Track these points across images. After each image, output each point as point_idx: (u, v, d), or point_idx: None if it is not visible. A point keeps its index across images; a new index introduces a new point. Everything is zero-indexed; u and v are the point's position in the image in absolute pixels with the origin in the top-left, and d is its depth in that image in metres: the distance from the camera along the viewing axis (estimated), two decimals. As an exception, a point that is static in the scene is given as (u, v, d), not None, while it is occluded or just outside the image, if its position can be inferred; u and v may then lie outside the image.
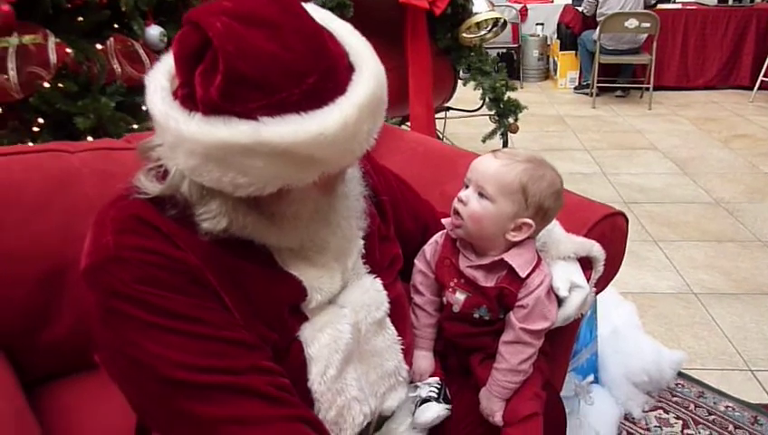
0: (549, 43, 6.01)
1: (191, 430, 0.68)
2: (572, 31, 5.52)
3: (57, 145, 1.19)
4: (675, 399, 1.69)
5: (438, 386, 0.95)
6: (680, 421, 1.61)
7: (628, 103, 5.14)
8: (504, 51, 6.13)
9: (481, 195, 0.90)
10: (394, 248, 0.95)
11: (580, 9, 5.31)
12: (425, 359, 0.98)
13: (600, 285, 1.13)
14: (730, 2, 5.34)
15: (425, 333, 0.99)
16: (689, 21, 5.33)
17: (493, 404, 0.90)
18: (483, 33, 2.94)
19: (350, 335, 0.80)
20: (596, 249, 1.00)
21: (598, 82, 5.12)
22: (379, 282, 0.87)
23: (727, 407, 1.66)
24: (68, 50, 1.65)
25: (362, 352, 0.83)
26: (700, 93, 5.35)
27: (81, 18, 1.72)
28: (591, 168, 3.59)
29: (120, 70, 1.78)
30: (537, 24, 6.02)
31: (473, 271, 0.92)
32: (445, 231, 0.97)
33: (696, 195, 3.17)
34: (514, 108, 2.94)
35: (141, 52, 1.83)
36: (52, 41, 1.63)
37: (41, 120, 1.66)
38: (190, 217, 0.70)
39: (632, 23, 4.72)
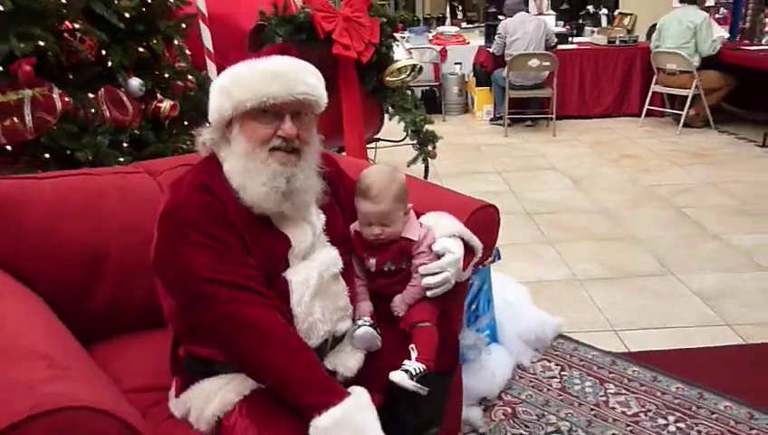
0: (467, 80, 6.70)
1: (211, 310, 1.13)
2: (485, 69, 6.22)
3: (88, 170, 1.61)
4: (556, 353, 2.22)
5: (370, 321, 1.42)
6: (558, 367, 2.13)
7: (536, 132, 5.84)
8: (428, 88, 6.78)
9: (383, 224, 1.39)
10: (345, 232, 1.43)
11: (490, 50, 6.01)
12: (364, 304, 1.44)
13: (484, 257, 1.64)
14: (617, 42, 6.17)
15: (362, 290, 1.46)
16: (584, 59, 6.13)
17: (400, 304, 1.39)
18: (403, 76, 3.49)
19: (316, 279, 1.27)
20: (472, 237, 1.49)
21: (509, 114, 5.83)
22: (335, 250, 1.34)
23: (594, 355, 2.20)
24: (68, 99, 2.06)
25: (324, 292, 1.30)
26: (597, 121, 6.13)
27: (77, 73, 2.14)
28: (501, 187, 4.19)
29: (108, 114, 2.20)
30: (456, 64, 6.71)
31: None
32: (353, 226, 1.45)
33: (586, 205, 3.80)
34: (432, 138, 3.50)
35: (125, 99, 2.25)
36: (56, 92, 2.04)
37: (47, 156, 2.05)
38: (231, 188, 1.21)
39: (534, 62, 5.45)
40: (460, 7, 11.86)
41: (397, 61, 3.41)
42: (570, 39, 6.45)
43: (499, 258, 2.13)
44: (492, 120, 6.24)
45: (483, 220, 1.64)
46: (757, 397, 1.92)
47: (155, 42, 2.40)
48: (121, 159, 2.18)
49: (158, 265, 1.22)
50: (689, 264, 2.92)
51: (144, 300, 1.48)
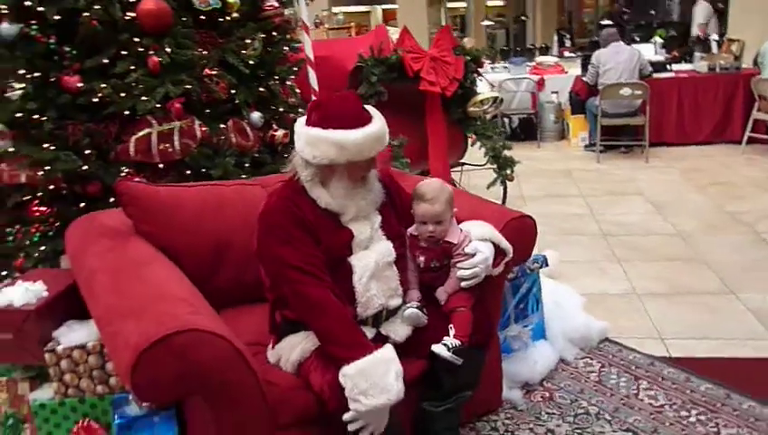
0: (563, 108, 6.92)
1: (286, 287, 1.62)
2: (580, 98, 6.43)
3: (219, 183, 2.17)
4: (600, 353, 2.50)
5: (418, 304, 1.82)
6: (599, 364, 2.41)
7: (629, 158, 5.96)
8: (525, 116, 7.07)
9: (437, 222, 1.80)
10: (398, 230, 1.86)
11: (584, 79, 6.23)
12: (413, 292, 1.86)
13: (519, 259, 2.01)
14: (717, 69, 6.15)
15: (413, 280, 1.87)
16: (683, 87, 6.18)
17: (442, 293, 1.79)
18: (485, 107, 3.88)
19: (373, 264, 1.70)
20: (503, 239, 1.87)
21: (603, 141, 5.99)
22: (390, 243, 1.78)
23: (635, 357, 2.45)
24: (205, 128, 2.66)
25: (379, 275, 1.73)
26: (697, 148, 6.12)
27: (212, 109, 2.75)
28: (583, 210, 4.42)
29: (234, 140, 2.79)
30: (552, 93, 6.96)
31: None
32: (409, 230, 1.87)
33: (663, 228, 3.96)
34: (510, 163, 3.84)
35: (248, 129, 2.83)
36: (197, 123, 2.64)
37: (188, 172, 2.65)
38: (310, 198, 1.67)
39: (626, 91, 5.61)
40: (568, 36, 11.99)
41: (479, 93, 3.80)
42: (668, 67, 6.48)
43: (546, 265, 2.47)
44: (586, 146, 6.41)
45: (519, 227, 2.01)
46: (783, 400, 2.10)
47: (272, 83, 2.99)
48: (243, 176, 2.76)
49: (257, 253, 1.71)
50: (752, 285, 3.05)
51: (254, 280, 1.97)
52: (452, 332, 1.76)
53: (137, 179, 2.46)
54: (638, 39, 9.25)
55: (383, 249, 1.76)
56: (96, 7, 2.44)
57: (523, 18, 15.19)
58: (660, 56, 6.90)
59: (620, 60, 5.80)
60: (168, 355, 1.35)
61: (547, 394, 2.24)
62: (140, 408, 1.80)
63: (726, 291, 3.02)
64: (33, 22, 2.44)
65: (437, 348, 1.73)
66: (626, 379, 2.31)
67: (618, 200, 4.63)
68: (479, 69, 3.86)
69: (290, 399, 1.64)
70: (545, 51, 9.44)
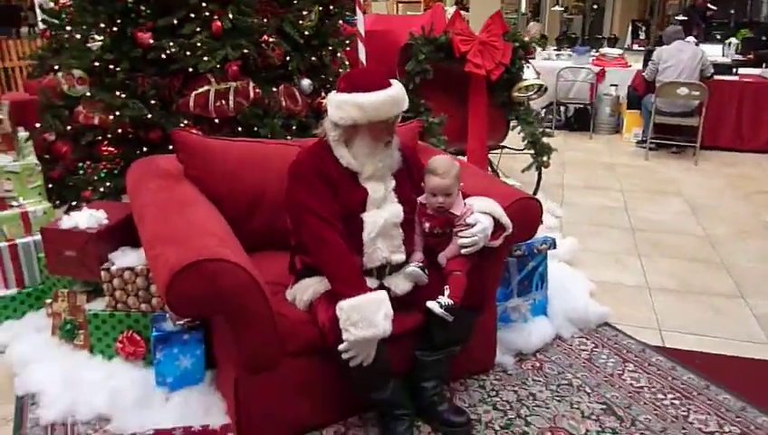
0: (620, 102, 6.89)
1: (304, 228, 1.87)
2: (637, 93, 6.39)
3: (263, 140, 2.43)
4: (597, 335, 2.66)
5: (420, 264, 2.04)
6: (593, 344, 2.58)
7: (679, 159, 5.93)
8: (581, 106, 7.07)
9: (446, 195, 2.00)
10: (410, 196, 2.08)
11: (643, 75, 6.19)
12: (417, 254, 2.07)
13: (519, 238, 2.20)
14: (783, 77, 6.01)
15: (419, 243, 2.09)
16: (745, 92, 6.06)
17: (442, 258, 2.01)
18: (530, 93, 4.00)
19: (382, 222, 1.93)
20: (504, 215, 2.06)
21: (655, 139, 5.98)
22: (400, 207, 2.00)
23: (629, 342, 2.61)
24: (258, 90, 2.93)
25: (386, 233, 1.95)
26: (752, 156, 6.02)
27: (267, 73, 3.01)
28: (617, 203, 4.50)
29: (284, 104, 3.04)
30: (612, 85, 6.92)
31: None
32: (420, 198, 2.08)
33: (693, 229, 4.01)
34: (547, 150, 3.97)
35: (297, 94, 3.08)
36: (251, 85, 2.90)
37: (240, 129, 2.93)
38: (334, 157, 1.91)
39: (683, 90, 5.57)
40: (644, 28, 11.69)
41: (525, 80, 3.93)
42: (734, 70, 6.35)
43: (554, 247, 2.63)
44: (638, 142, 6.38)
45: (523, 207, 2.19)
46: (759, 397, 2.23)
47: (324, 53, 3.23)
48: (289, 137, 3.02)
49: (286, 199, 1.97)
50: (765, 292, 3.12)
51: (283, 228, 2.22)
52: (447, 292, 1.98)
53: (193, 131, 2.76)
54: (718, 37, 9.01)
55: (393, 210, 1.98)
56: (171, -27, 2.72)
57: (595, 6, 14.79)
58: (728, 58, 6.73)
59: (682, 58, 5.74)
60: (198, 278, 1.63)
61: (537, 364, 2.44)
62: (174, 325, 2.11)
63: (737, 295, 3.10)
64: (117, -19, 2.76)
65: (431, 304, 1.95)
66: (614, 360, 2.47)
67: (655, 198, 4.67)
68: (528, 56, 3.97)
69: (298, 330, 1.90)
70: (614, 42, 9.31)
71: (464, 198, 2.07)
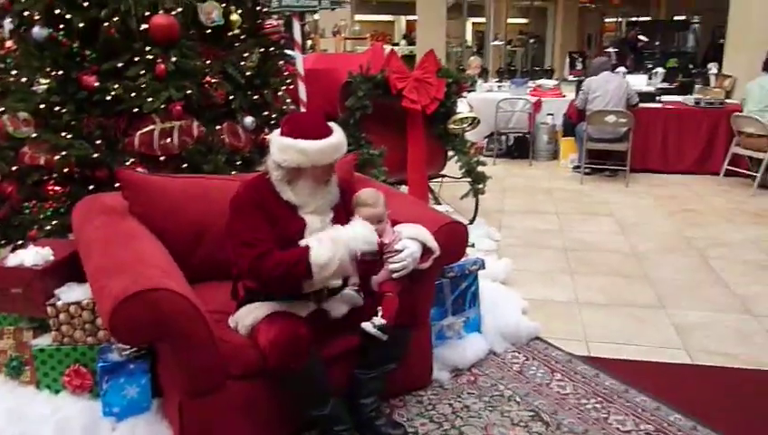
0: (557, 130, 7.26)
1: (242, 259, 1.98)
2: (572, 121, 6.77)
3: (204, 176, 2.56)
4: (528, 349, 2.84)
5: (356, 288, 2.19)
6: (524, 358, 2.76)
7: (612, 182, 6.28)
8: (521, 135, 7.42)
9: (378, 222, 2.16)
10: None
11: (576, 104, 6.57)
12: (353, 278, 2.22)
13: (449, 260, 2.37)
14: (702, 104, 6.47)
15: (354, 267, 2.24)
16: (669, 118, 6.50)
17: (375, 282, 2.16)
18: (464, 126, 4.24)
19: (318, 250, 2.08)
20: (431, 239, 2.23)
21: (589, 164, 6.33)
22: None
23: (557, 354, 2.79)
24: (202, 128, 3.06)
25: (323, 258, 2.10)
26: (679, 177, 6.42)
27: (210, 112, 3.14)
28: (553, 226, 4.77)
29: (228, 140, 3.17)
30: (548, 115, 7.30)
31: None
32: None
33: (621, 247, 4.29)
34: (482, 178, 4.20)
35: (240, 131, 3.22)
36: (195, 124, 3.03)
37: (185, 165, 3.04)
38: (275, 191, 2.05)
39: (611, 118, 5.95)
40: (580, 59, 12.31)
41: (459, 113, 4.17)
42: (657, 98, 6.80)
43: (483, 268, 2.82)
44: (574, 168, 6.73)
45: (450, 231, 2.37)
46: (672, 397, 2.43)
47: (266, 92, 3.39)
48: (233, 172, 3.15)
49: (226, 230, 2.10)
50: (682, 303, 3.37)
51: (225, 260, 2.33)
52: (380, 313, 2.13)
53: (139, 169, 2.86)
54: (650, 66, 9.58)
55: None
56: (115, 19, 2.85)
57: (531, 40, 15.51)
58: (651, 87, 7.20)
59: (609, 88, 6.13)
60: (141, 306, 1.74)
61: (472, 378, 2.59)
62: (121, 356, 2.19)
63: (658, 306, 3.35)
64: (61, 27, 2.87)
65: (365, 325, 2.10)
66: (543, 371, 2.65)
67: (588, 219, 4.96)
68: (461, 91, 4.22)
69: (240, 354, 2.01)
70: (551, 74, 9.81)
71: (392, 226, 2.24)
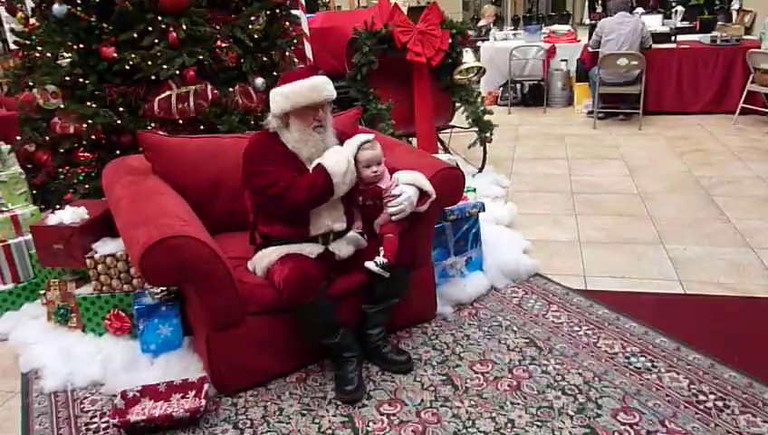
0: (571, 76, 7.26)
1: (272, 197, 2.20)
2: (585, 66, 6.77)
3: (219, 135, 2.77)
4: (528, 284, 3.03)
5: (359, 231, 2.40)
6: (523, 292, 2.96)
7: (625, 125, 6.32)
8: (535, 82, 7.44)
9: (378, 163, 2.35)
10: None
11: (589, 47, 6.56)
12: (357, 222, 2.43)
13: (441, 204, 2.56)
14: (718, 42, 6.40)
15: (357, 214, 2.44)
16: (683, 58, 6.46)
17: (377, 225, 2.36)
18: (470, 75, 4.35)
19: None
20: (426, 184, 2.41)
21: (603, 108, 6.37)
22: None
23: (555, 288, 2.98)
24: (216, 91, 3.25)
25: (328, 204, 2.30)
26: (695, 117, 6.43)
27: (222, 75, 3.34)
28: (562, 170, 4.89)
29: (240, 102, 3.37)
30: (562, 60, 7.30)
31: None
32: None
33: (627, 188, 4.40)
34: (489, 126, 4.33)
35: (252, 92, 3.41)
36: (209, 87, 3.23)
37: (201, 127, 3.25)
38: (281, 143, 2.26)
39: (623, 61, 5.95)
40: (600, 1, 12.07)
41: (465, 63, 4.28)
42: (672, 38, 6.74)
43: (483, 210, 3.00)
44: (588, 113, 6.77)
45: (446, 176, 2.54)
46: (661, 323, 2.61)
47: (273, 53, 3.55)
48: (247, 132, 3.35)
49: (243, 177, 2.31)
50: (682, 239, 3.51)
51: (241, 210, 2.56)
52: (381, 252, 2.34)
53: (160, 132, 3.09)
54: (673, 3, 9.33)
55: None
56: (127, -8, 3.03)
57: None
58: (666, 27, 7.11)
59: (623, 31, 6.11)
60: (165, 252, 1.98)
61: (474, 311, 2.81)
62: (153, 299, 2.46)
63: (657, 242, 3.49)
64: (79, 2, 3.07)
65: (369, 264, 2.31)
66: (541, 303, 2.85)
67: (598, 163, 5.06)
68: (465, 40, 4.31)
69: (256, 293, 2.25)
70: (567, 18, 9.69)
71: (391, 173, 2.42)
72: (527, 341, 2.56)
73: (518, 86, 7.61)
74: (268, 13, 3.52)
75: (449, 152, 4.64)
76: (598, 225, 3.77)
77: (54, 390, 2.38)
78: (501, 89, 7.63)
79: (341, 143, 2.41)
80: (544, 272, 3.15)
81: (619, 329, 2.61)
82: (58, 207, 3.23)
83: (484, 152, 4.53)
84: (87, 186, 3.18)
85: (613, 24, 6.22)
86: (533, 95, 7.50)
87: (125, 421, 2.08)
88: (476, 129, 4.38)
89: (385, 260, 2.32)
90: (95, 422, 2.20)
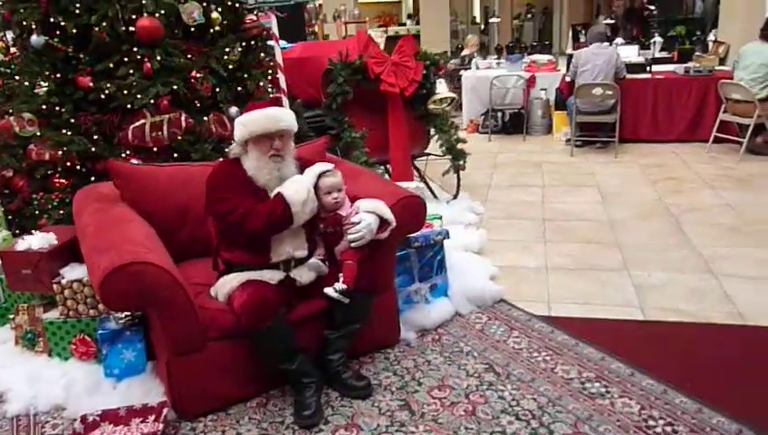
0: (551, 104, 7.41)
1: (232, 222, 2.27)
2: (563, 96, 6.92)
3: (188, 163, 2.84)
4: (493, 310, 3.09)
5: (321, 258, 2.47)
6: (487, 318, 3.01)
7: (602, 154, 6.44)
8: (516, 111, 7.58)
9: (339, 190, 2.43)
10: None
11: (566, 77, 6.71)
12: (319, 249, 2.50)
13: (403, 231, 2.62)
14: (691, 72, 6.57)
15: (319, 241, 2.51)
16: (658, 87, 6.61)
17: (337, 251, 2.42)
18: (443, 105, 4.46)
19: (285, 223, 2.35)
20: (387, 212, 2.48)
21: (580, 137, 6.51)
22: None
23: (518, 314, 3.04)
24: (191, 120, 3.33)
25: (289, 232, 2.37)
26: (670, 145, 6.55)
27: (196, 104, 3.41)
28: (536, 198, 4.98)
29: (214, 130, 3.45)
30: (541, 90, 7.45)
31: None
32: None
33: (598, 216, 4.49)
34: (462, 155, 4.43)
35: (226, 121, 3.49)
36: (183, 116, 3.31)
37: (175, 154, 3.32)
38: (243, 169, 2.34)
39: (598, 91, 6.10)
40: (583, 32, 12.33)
41: (438, 93, 4.39)
42: (647, 69, 6.90)
43: (448, 237, 3.07)
44: (567, 141, 6.88)
45: (407, 204, 2.62)
46: (618, 349, 2.67)
47: (248, 83, 3.64)
48: (221, 159, 3.42)
49: (206, 204, 2.38)
50: (646, 265, 3.58)
51: (207, 236, 2.62)
52: (341, 278, 2.40)
53: (133, 160, 3.15)
54: (656, 34, 9.51)
55: None
56: (104, 24, 3.13)
57: (529, 15, 15.46)
58: (642, 58, 7.29)
59: (598, 62, 6.26)
60: (125, 278, 2.03)
61: (437, 337, 2.86)
62: (117, 324, 2.50)
63: (623, 268, 3.56)
64: (57, 33, 3.16)
65: (328, 290, 2.37)
66: (503, 329, 2.90)
67: (572, 190, 5.16)
68: (439, 71, 4.43)
69: (218, 318, 2.30)
70: (548, 48, 9.89)
71: (353, 201, 2.50)
72: (486, 366, 2.61)
73: (499, 114, 7.75)
74: (243, 44, 3.62)
75: (424, 179, 4.73)
76: (565, 251, 3.85)
77: (17, 413, 2.41)
78: (482, 117, 7.76)
79: (303, 172, 2.49)
80: (510, 298, 3.21)
81: (577, 355, 2.66)
82: (33, 232, 3.30)
83: (458, 180, 4.62)
84: (61, 211, 3.23)
85: (589, 54, 6.38)
86: (514, 123, 7.63)
87: (83, 446, 2.11)
88: (450, 157, 4.47)
89: (344, 286, 2.38)
90: (54, 447, 2.23)
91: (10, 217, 3.38)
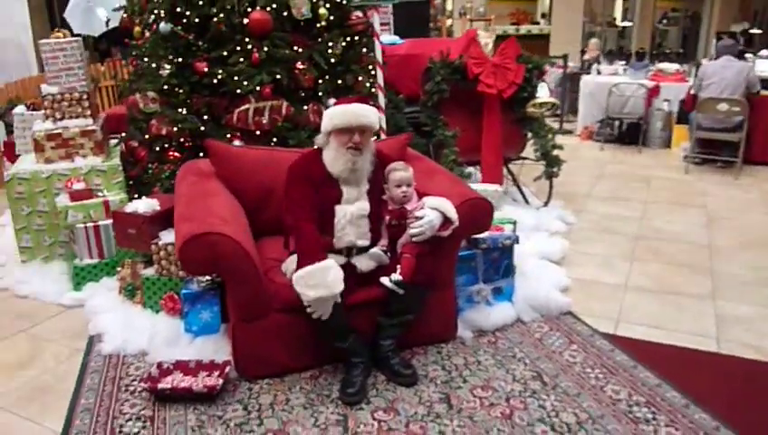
0: (672, 116, 7.01)
1: (290, 219, 2.49)
2: (686, 108, 6.52)
3: (277, 148, 3.08)
4: (557, 321, 3.07)
5: (383, 248, 2.60)
6: (548, 328, 3.00)
7: (722, 174, 6.02)
8: (634, 121, 7.24)
9: (408, 185, 2.55)
10: (380, 196, 2.63)
11: (691, 90, 6.33)
12: (383, 240, 2.63)
13: (467, 232, 2.70)
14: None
15: (384, 233, 2.64)
16: (796, 107, 6.05)
17: (399, 244, 2.55)
18: (542, 110, 4.41)
19: (349, 214, 2.51)
20: (451, 210, 2.56)
21: (699, 153, 6.12)
22: (367, 203, 2.56)
23: (582, 329, 3.00)
24: (291, 108, 3.59)
25: (354, 222, 2.52)
26: (802, 172, 6.00)
27: (298, 94, 3.66)
28: (635, 213, 4.78)
29: (312, 119, 3.68)
30: (665, 100, 7.06)
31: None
32: (384, 197, 2.63)
33: (698, 239, 4.24)
34: (557, 162, 4.36)
35: (324, 110, 3.71)
36: (284, 104, 3.58)
37: (274, 139, 3.60)
38: (322, 163, 2.53)
39: (723, 106, 5.71)
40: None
41: (539, 97, 4.35)
42: (787, 86, 6.33)
43: (517, 242, 3.08)
44: (685, 157, 6.49)
45: (473, 206, 2.69)
46: (677, 378, 2.57)
47: (348, 77, 3.84)
48: (308, 149, 3.66)
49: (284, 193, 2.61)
50: (737, 297, 3.36)
51: (287, 217, 2.85)
52: (398, 270, 2.52)
53: (236, 141, 3.46)
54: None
55: (361, 206, 2.55)
56: (221, 15, 3.45)
57: (665, 19, 14.50)
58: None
59: (726, 75, 5.85)
60: (200, 246, 2.29)
61: (493, 339, 2.90)
62: (198, 287, 2.79)
63: (708, 296, 3.37)
64: (181, 22, 3.52)
65: (383, 279, 2.51)
66: (562, 341, 2.89)
67: (676, 209, 4.89)
68: (542, 75, 4.39)
69: (281, 292, 2.51)
70: (684, 57, 9.30)
71: (419, 198, 2.60)
72: (534, 374, 2.62)
73: (616, 123, 7.44)
74: (347, 39, 3.82)
75: (517, 183, 4.71)
76: (651, 273, 3.70)
77: (110, 353, 2.78)
78: (598, 124, 7.50)
79: (382, 167, 2.63)
80: (578, 311, 3.17)
81: (632, 377, 2.60)
82: (143, 197, 3.73)
83: (551, 187, 4.56)
84: (171, 182, 3.61)
85: (717, 67, 5.97)
86: (631, 133, 7.30)
87: (153, 388, 2.41)
88: (544, 162, 4.42)
89: (400, 278, 2.50)
90: (133, 385, 2.55)
91: (131, 182, 3.82)
